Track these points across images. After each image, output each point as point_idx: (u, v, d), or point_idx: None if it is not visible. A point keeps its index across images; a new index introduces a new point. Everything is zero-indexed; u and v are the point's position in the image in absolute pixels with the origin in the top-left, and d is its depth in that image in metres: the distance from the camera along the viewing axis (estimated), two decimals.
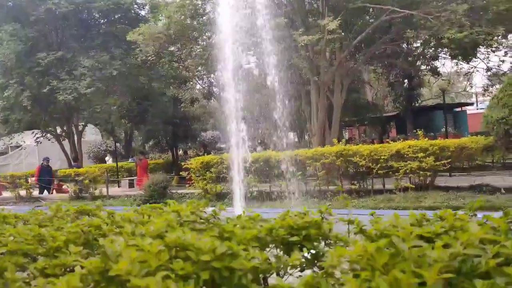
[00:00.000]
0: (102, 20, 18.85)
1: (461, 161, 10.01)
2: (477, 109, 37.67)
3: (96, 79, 16.65)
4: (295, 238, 1.26)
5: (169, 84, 23.76)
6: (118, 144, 37.56)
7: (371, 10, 14.00)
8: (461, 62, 19.87)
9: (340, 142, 10.69)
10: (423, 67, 21.82)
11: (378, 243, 0.92)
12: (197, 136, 27.35)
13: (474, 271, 0.88)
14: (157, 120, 23.54)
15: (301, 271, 1.17)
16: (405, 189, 9.65)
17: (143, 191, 12.83)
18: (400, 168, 9.43)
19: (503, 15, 10.21)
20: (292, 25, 13.66)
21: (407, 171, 9.37)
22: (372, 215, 1.58)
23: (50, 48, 17.09)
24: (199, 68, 24.42)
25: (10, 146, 29.10)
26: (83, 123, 24.09)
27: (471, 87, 24.23)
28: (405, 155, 9.43)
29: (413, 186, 9.42)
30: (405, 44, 17.89)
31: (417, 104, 25.03)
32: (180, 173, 13.19)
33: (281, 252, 1.24)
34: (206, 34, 19.36)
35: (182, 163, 12.75)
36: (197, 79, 28.79)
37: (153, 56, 19.74)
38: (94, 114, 19.47)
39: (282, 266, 1.14)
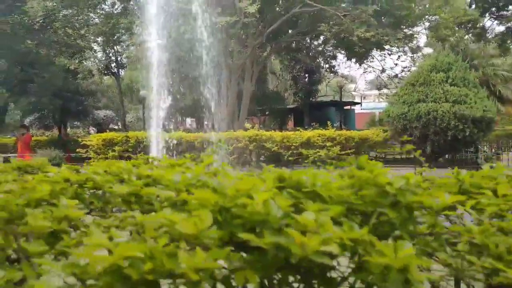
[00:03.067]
0: None
1: (363, 152, 10.90)
2: (361, 109, 41.91)
3: None
4: None
5: (61, 53, 21.24)
6: None
7: (284, 1, 14.33)
8: (354, 64, 21.74)
9: (254, 128, 10.77)
10: (323, 64, 23.28)
11: None
12: (90, 114, 25.09)
13: None
14: (43, 91, 20.86)
15: None
16: None
17: None
18: (309, 155, 9.87)
19: (401, 21, 11.32)
20: (208, 2, 13.26)
21: (316, 158, 9.84)
22: None
23: None
24: (98, 39, 22.37)
25: None
26: None
27: (363, 88, 26.82)
28: (315, 144, 9.90)
29: None
30: (309, 40, 18.79)
31: (314, 99, 26.66)
32: (77, 150, 11.87)
33: None
34: (107, 2, 17.76)
35: (80, 140, 11.49)
36: (94, 51, 26.35)
37: (42, 17, 17.41)
38: None
39: None
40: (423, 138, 8.21)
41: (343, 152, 9.70)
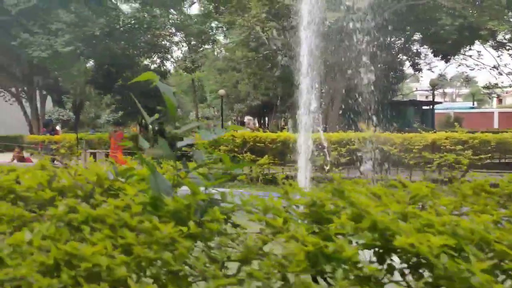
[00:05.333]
0: None
1: (496, 157, 9.98)
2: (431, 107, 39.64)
3: (75, 37, 14.70)
4: None
5: (144, 53, 21.88)
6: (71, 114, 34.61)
7: None
8: (439, 60, 20.38)
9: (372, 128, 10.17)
10: (406, 61, 22.17)
11: None
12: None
13: None
14: (128, 90, 21.64)
15: None
16: (434, 182, 9.39)
17: None
18: (434, 160, 9.10)
19: None
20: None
21: (442, 163, 9.06)
22: None
23: None
24: (182, 38, 22.87)
25: None
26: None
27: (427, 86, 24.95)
28: (441, 147, 9.12)
29: (447, 180, 9.15)
30: (402, 36, 17.82)
31: (393, 98, 25.47)
32: (183, 149, 11.97)
33: None
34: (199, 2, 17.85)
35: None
36: (172, 51, 27.00)
37: (132, 19, 17.93)
38: (65, 77, 17.32)
39: None
40: None
41: (476, 157, 8.83)
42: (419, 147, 9.30)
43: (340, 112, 15.65)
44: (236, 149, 10.85)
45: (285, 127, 28.44)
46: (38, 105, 18.15)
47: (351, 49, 13.92)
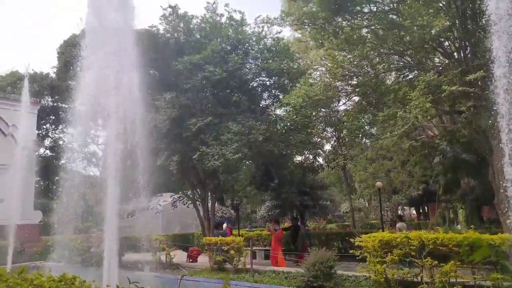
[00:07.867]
0: (248, 86, 19.00)
1: None
2: None
3: (241, 145, 16.26)
4: None
5: (301, 150, 22.81)
6: (232, 212, 37.35)
7: None
8: None
9: None
10: None
11: None
12: (324, 207, 25.49)
13: None
14: (285, 188, 22.45)
15: None
16: None
17: (305, 269, 11.15)
18: None
19: None
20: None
21: None
22: None
23: (200, 114, 17.45)
24: (333, 133, 23.34)
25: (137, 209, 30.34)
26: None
27: None
28: None
29: None
30: None
31: None
32: (350, 251, 11.33)
33: None
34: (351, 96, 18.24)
35: (351, 240, 10.95)
36: (322, 146, 27.64)
37: (289, 121, 19.02)
38: (232, 180, 18.98)
39: None
40: None
41: None
42: None
43: None
44: (412, 253, 9.68)
45: (458, 220, 24.96)
46: (209, 205, 20.05)
47: None
